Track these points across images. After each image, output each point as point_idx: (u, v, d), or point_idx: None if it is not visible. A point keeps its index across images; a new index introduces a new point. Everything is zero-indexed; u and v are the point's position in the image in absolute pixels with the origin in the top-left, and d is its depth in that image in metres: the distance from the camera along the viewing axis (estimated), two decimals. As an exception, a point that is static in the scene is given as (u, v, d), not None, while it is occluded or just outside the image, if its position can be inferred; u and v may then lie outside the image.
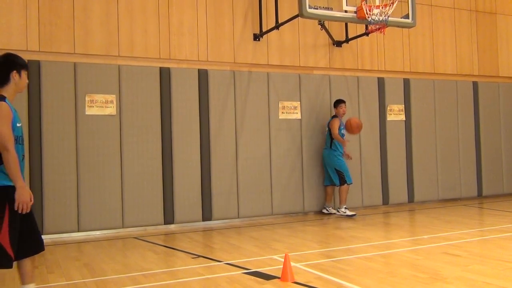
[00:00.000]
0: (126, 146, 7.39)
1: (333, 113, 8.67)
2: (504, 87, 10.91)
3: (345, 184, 8.30)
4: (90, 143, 7.16)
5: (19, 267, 3.53)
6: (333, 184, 8.45)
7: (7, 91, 3.49)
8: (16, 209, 3.31)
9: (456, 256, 5.02)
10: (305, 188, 8.62)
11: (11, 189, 3.34)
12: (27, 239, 3.47)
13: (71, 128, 7.09)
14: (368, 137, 9.29)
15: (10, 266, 3.36)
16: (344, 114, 8.50)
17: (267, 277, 4.38)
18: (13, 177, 3.30)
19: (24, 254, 3.47)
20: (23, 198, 3.32)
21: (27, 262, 3.53)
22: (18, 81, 3.53)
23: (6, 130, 3.30)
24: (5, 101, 3.39)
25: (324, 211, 8.61)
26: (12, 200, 3.32)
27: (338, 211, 8.42)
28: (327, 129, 8.57)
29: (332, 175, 8.39)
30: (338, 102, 8.51)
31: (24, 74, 3.57)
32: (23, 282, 3.55)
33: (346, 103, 8.67)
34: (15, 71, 3.51)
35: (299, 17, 7.33)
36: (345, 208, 8.31)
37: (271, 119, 8.43)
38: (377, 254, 5.31)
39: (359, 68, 9.41)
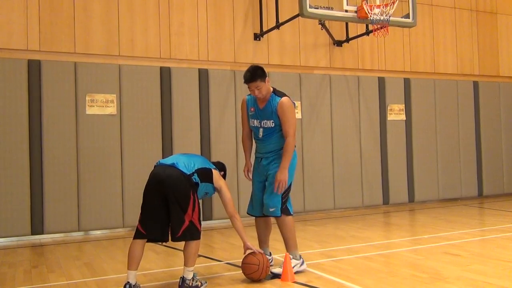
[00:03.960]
0: (127, 146, 7.39)
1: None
2: (505, 87, 10.91)
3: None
4: (91, 142, 7.16)
5: (184, 249, 4.01)
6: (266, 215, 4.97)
7: None
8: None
9: (457, 256, 5.02)
10: (305, 188, 8.61)
11: None
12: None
13: (72, 128, 7.09)
14: (368, 137, 9.29)
15: (200, 237, 4.09)
16: (259, 95, 4.49)
17: (267, 276, 4.37)
18: None
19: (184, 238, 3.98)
20: None
21: (190, 245, 3.97)
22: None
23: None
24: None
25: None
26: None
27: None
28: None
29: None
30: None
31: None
32: (185, 264, 3.99)
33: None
34: None
35: (299, 17, 7.33)
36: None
37: (271, 119, 8.41)
38: (378, 254, 5.30)
39: (360, 67, 9.40)
